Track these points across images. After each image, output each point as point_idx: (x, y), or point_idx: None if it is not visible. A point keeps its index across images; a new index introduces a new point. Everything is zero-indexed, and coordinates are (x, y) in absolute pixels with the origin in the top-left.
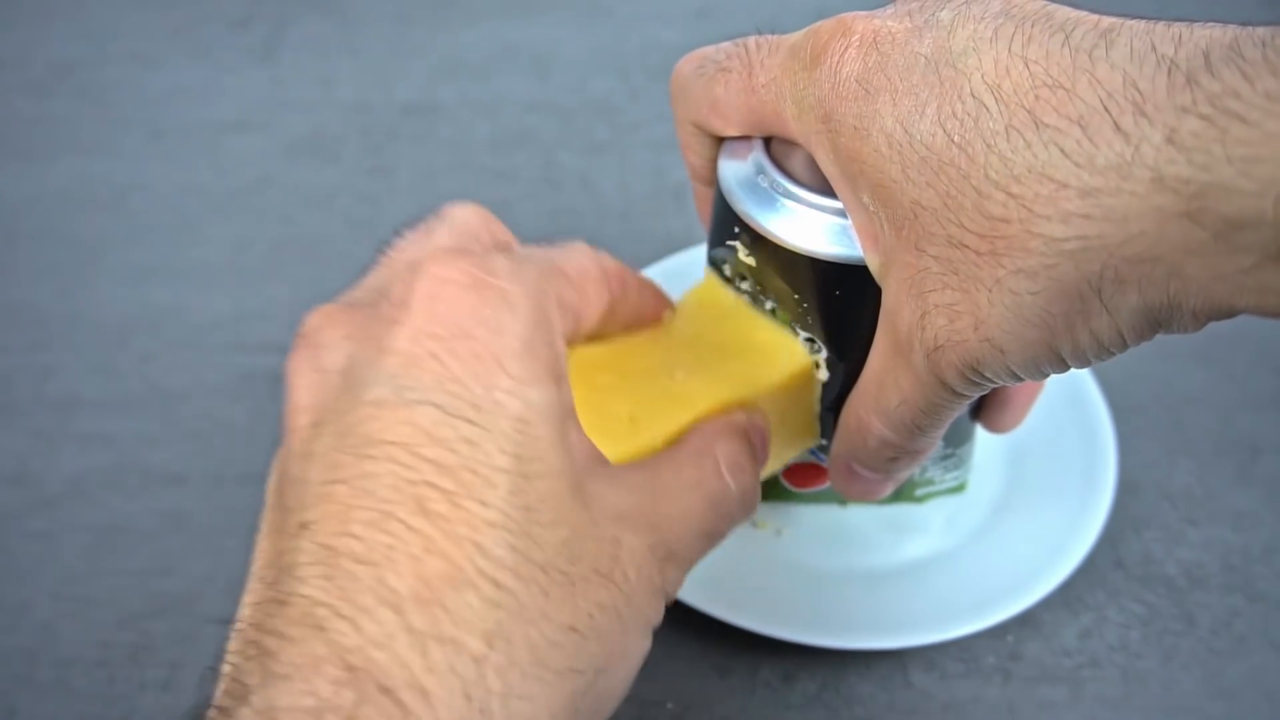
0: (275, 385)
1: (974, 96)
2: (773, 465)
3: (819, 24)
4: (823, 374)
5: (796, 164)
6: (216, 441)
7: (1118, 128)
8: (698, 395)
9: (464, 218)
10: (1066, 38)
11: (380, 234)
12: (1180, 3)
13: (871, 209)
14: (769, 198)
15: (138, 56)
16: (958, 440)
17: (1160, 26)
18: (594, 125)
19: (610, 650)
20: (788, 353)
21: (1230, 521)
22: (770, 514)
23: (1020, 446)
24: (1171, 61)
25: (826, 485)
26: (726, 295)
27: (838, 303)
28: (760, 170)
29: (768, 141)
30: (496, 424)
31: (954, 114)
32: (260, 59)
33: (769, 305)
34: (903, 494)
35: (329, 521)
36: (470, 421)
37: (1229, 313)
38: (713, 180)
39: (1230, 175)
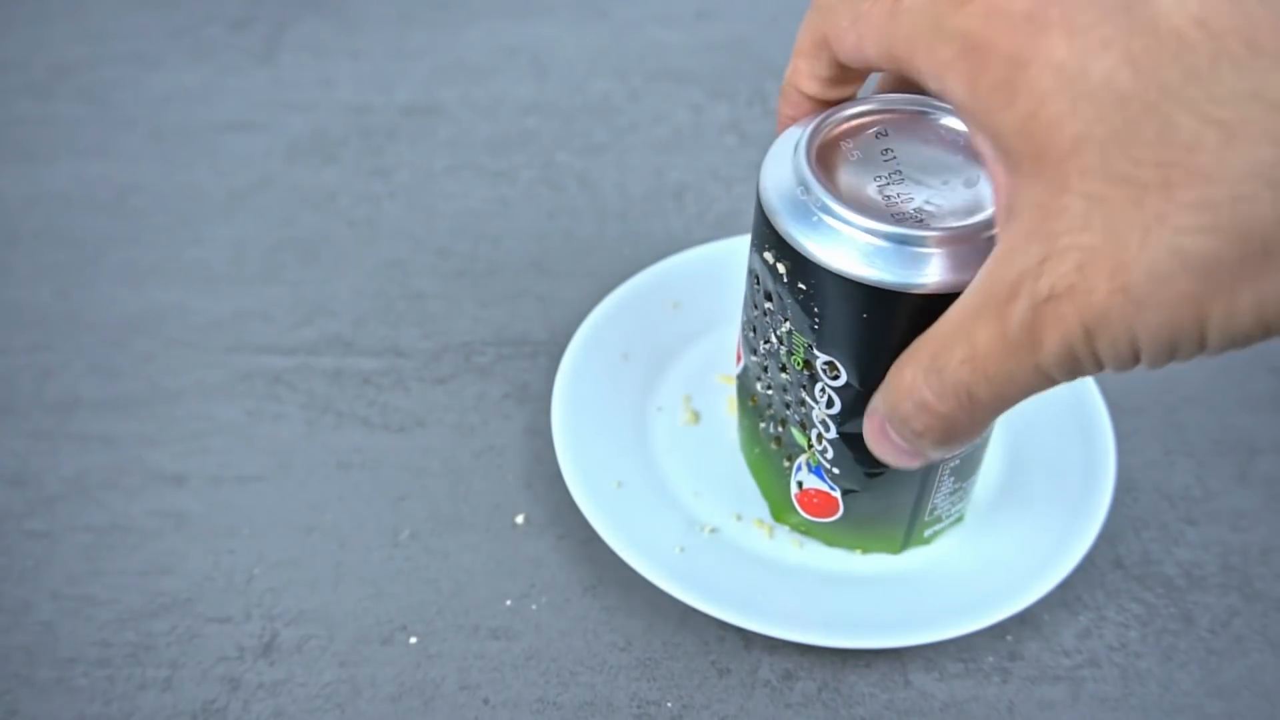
0: (275, 385)
1: (1175, 33)
2: None
3: None
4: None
5: (840, 180)
6: (216, 441)
7: None
8: None
9: None
10: None
11: (380, 234)
12: None
13: (1003, 147)
14: (807, 212)
15: (138, 57)
16: (966, 474)
17: None
18: (593, 126)
19: None
20: None
21: (1229, 521)
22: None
23: (1020, 446)
24: None
25: (841, 516)
26: None
27: (866, 326)
28: (802, 183)
29: (812, 154)
30: None
31: (1146, 49)
32: (260, 60)
33: (787, 325)
34: (912, 540)
35: None
36: None
37: None
38: (810, 97)
39: None
